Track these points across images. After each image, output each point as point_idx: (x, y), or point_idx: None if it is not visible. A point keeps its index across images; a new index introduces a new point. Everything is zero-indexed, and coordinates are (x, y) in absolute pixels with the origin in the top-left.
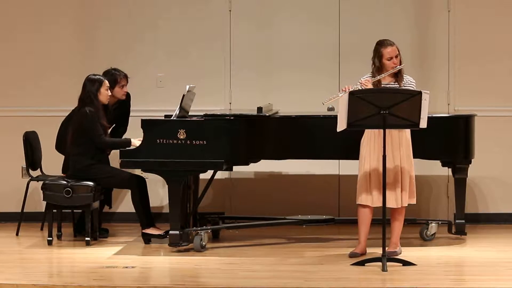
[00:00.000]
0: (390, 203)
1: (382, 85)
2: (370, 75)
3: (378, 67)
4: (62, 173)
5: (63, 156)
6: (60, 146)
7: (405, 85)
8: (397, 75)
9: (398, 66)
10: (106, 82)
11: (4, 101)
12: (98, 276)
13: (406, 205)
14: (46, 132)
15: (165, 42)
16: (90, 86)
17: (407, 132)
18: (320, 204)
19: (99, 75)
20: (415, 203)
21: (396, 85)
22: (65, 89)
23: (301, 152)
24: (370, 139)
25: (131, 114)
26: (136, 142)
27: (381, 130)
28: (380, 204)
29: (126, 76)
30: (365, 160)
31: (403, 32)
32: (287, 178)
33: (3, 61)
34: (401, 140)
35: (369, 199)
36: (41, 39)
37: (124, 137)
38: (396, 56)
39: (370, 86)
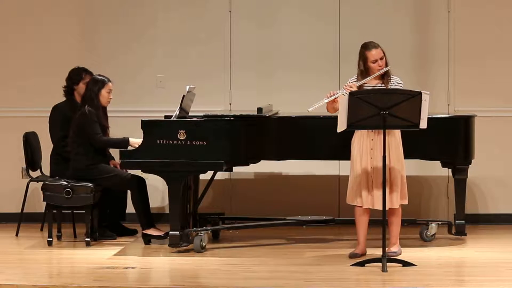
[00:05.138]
0: (380, 205)
1: (368, 87)
2: (355, 79)
3: (362, 70)
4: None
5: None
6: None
7: (392, 86)
8: (384, 77)
9: (384, 68)
10: (110, 85)
11: (4, 101)
12: (98, 277)
13: (398, 206)
14: (46, 132)
15: (165, 42)
16: (93, 86)
17: (396, 134)
18: (320, 204)
19: (104, 76)
20: (406, 203)
21: (383, 87)
22: None
23: (301, 153)
24: (360, 140)
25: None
26: (135, 141)
27: (370, 132)
28: (370, 205)
29: (91, 74)
30: (356, 161)
31: (403, 32)
32: (287, 178)
33: (3, 61)
34: (390, 142)
35: (359, 200)
36: (41, 39)
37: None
38: (381, 58)
39: (355, 89)
